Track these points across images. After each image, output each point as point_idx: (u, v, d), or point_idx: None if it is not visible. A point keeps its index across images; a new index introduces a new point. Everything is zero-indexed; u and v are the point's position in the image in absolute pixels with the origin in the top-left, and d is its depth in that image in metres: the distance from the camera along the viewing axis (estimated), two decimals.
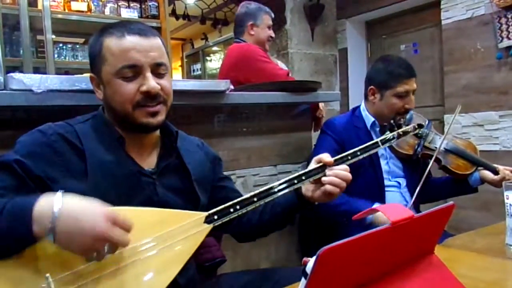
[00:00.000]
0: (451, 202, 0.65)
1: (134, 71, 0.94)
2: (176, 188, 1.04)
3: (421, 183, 1.45)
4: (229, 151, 1.73)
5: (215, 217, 0.90)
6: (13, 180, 0.86)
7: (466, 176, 1.69)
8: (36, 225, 0.73)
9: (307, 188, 1.04)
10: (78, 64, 3.17)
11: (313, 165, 1.02)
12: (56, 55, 3.03)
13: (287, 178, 0.98)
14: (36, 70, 2.81)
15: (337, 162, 1.03)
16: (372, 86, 1.72)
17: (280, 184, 0.96)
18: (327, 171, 1.00)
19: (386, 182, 1.70)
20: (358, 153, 1.07)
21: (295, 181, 0.98)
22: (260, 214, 1.13)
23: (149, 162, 1.03)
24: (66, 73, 2.97)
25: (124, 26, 0.98)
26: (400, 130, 1.19)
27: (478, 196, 1.76)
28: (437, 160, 1.69)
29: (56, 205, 0.74)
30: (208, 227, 0.89)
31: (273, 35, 2.41)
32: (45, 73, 2.69)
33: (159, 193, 0.99)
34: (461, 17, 3.20)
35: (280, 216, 1.11)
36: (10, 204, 0.77)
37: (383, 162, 1.72)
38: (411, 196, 1.68)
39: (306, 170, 1.01)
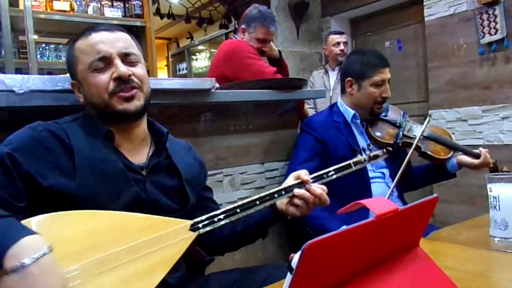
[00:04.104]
0: (435, 195, 0.66)
1: (105, 62, 0.99)
2: (165, 186, 1.04)
3: (402, 168, 1.48)
4: (216, 150, 1.72)
5: (200, 225, 0.92)
6: (2, 176, 0.85)
7: (445, 160, 1.75)
8: (13, 250, 0.69)
9: (281, 201, 1.07)
10: (62, 64, 3.12)
11: (291, 180, 1.06)
12: (38, 56, 2.99)
13: (267, 192, 1.01)
14: (18, 71, 2.77)
15: (314, 180, 1.07)
16: (349, 78, 1.76)
17: (261, 198, 1.00)
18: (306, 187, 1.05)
19: (371, 174, 1.73)
20: (333, 172, 1.13)
21: (276, 195, 1.02)
22: (232, 225, 1.11)
23: (139, 158, 1.04)
24: (50, 73, 2.92)
25: (91, 28, 1.04)
26: (371, 154, 1.28)
27: (464, 190, 1.81)
28: (417, 148, 1.73)
29: (44, 250, 0.71)
30: (193, 235, 0.90)
31: (265, 49, 2.28)
32: (27, 74, 2.65)
33: (148, 190, 0.99)
34: (443, 14, 3.24)
35: (253, 228, 1.13)
36: (7, 220, 0.75)
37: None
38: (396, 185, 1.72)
39: (286, 185, 1.05)
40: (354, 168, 1.18)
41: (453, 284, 0.66)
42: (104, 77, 0.98)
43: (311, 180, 1.06)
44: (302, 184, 1.05)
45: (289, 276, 0.48)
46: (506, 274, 0.91)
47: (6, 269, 0.69)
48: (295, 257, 0.47)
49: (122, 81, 0.98)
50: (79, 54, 1.01)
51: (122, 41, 1.02)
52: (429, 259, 0.68)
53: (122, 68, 0.98)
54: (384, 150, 1.32)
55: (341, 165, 1.16)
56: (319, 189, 1.05)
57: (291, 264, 0.48)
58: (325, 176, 1.11)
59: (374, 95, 1.71)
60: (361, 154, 1.24)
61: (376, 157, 1.28)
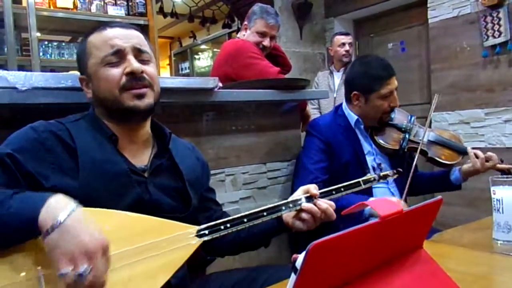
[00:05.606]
0: (439, 197, 0.65)
1: (118, 56, 0.99)
2: (168, 188, 1.04)
3: (410, 176, 1.47)
4: (218, 150, 1.72)
5: (206, 232, 0.91)
6: (4, 175, 0.85)
7: (453, 166, 1.72)
8: (45, 212, 0.73)
9: (288, 214, 1.06)
10: (64, 62, 3.13)
11: (300, 193, 1.06)
12: (41, 53, 2.99)
13: (275, 204, 1.01)
14: (21, 69, 2.77)
15: (323, 195, 1.07)
16: (355, 92, 1.70)
17: (268, 209, 1.00)
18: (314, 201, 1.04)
19: None
20: (342, 189, 1.12)
21: (283, 208, 1.02)
22: (236, 232, 1.09)
23: (142, 160, 1.04)
24: (52, 71, 2.93)
25: (106, 24, 1.05)
26: (381, 174, 1.27)
27: (466, 193, 1.79)
28: (424, 153, 1.71)
29: (73, 204, 0.75)
30: (198, 241, 0.90)
31: (265, 43, 2.23)
32: (30, 71, 2.65)
33: (151, 192, 0.99)
34: (447, 16, 3.24)
35: (256, 236, 1.13)
36: (26, 192, 0.80)
37: (369, 159, 1.72)
38: (399, 190, 1.70)
39: (295, 198, 1.05)
40: (363, 186, 1.19)
41: (456, 286, 0.66)
42: (116, 71, 0.98)
43: (319, 195, 1.06)
44: (310, 198, 1.04)
45: (293, 277, 0.48)
46: (509, 277, 0.90)
47: (46, 229, 0.72)
48: (300, 258, 0.47)
49: (134, 77, 0.98)
50: (92, 48, 1.00)
51: (136, 38, 1.03)
52: (432, 261, 0.68)
53: (135, 64, 0.98)
54: (395, 170, 1.32)
55: (350, 182, 1.16)
56: (325, 203, 1.04)
57: (295, 265, 0.47)
58: (334, 192, 1.10)
59: (382, 107, 1.67)
60: (375, 171, 1.23)
61: (386, 176, 1.28)
